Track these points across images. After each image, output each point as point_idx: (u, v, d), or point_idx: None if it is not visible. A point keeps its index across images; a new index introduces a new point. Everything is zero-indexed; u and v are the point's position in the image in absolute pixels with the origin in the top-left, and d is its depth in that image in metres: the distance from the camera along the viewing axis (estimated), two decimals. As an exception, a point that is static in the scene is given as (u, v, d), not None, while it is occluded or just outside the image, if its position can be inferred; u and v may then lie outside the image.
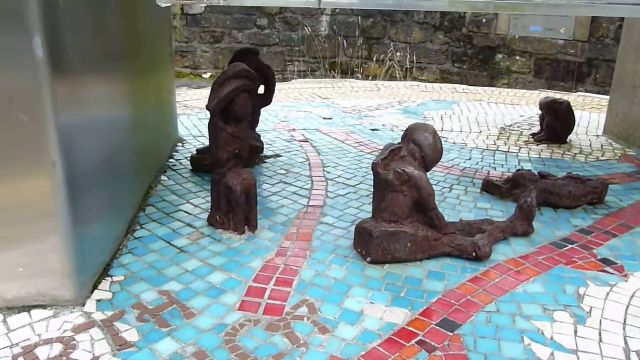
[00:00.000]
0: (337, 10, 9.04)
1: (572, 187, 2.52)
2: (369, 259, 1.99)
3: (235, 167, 2.19)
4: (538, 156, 3.37)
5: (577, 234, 2.29)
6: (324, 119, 4.17)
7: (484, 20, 8.03)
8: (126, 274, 1.91)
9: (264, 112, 4.06)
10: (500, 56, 8.10)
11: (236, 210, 2.17)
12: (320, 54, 9.15)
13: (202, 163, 2.85)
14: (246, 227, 2.22)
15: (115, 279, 1.88)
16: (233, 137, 2.13)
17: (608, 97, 4.11)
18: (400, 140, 2.07)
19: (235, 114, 2.10)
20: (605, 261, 2.06)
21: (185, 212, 2.42)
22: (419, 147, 1.98)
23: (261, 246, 2.12)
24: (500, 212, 2.49)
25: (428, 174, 2.03)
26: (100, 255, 1.91)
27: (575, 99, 5.10)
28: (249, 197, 2.17)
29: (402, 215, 1.98)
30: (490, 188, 2.71)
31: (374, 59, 8.86)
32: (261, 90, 3.02)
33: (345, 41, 9.05)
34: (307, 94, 5.16)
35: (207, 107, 2.06)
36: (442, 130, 3.92)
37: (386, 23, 8.86)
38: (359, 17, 8.94)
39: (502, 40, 8.01)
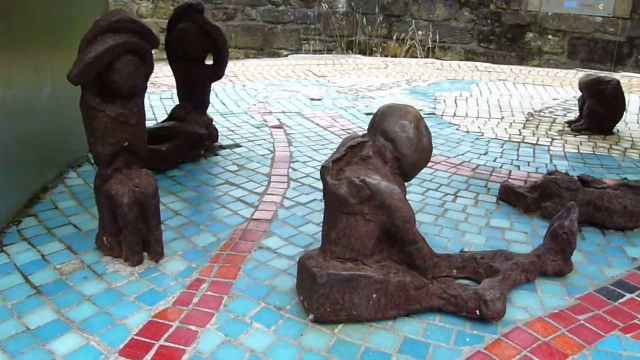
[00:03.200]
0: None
1: (628, 200, 1.77)
2: (311, 316, 1.28)
3: (126, 167, 1.48)
4: (576, 151, 2.59)
5: (639, 274, 1.53)
6: (312, 99, 3.44)
7: (514, -4, 7.24)
8: None
9: (241, 89, 3.38)
10: (530, 35, 7.34)
11: (125, 231, 1.46)
12: (337, 32, 8.41)
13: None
14: (146, 253, 1.52)
15: None
16: (117, 123, 1.41)
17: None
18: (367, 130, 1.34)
19: (116, 86, 1.38)
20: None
21: (75, 226, 1.72)
22: (392, 143, 1.24)
23: (158, 287, 1.42)
24: (523, 233, 1.76)
25: (412, 181, 1.30)
26: None
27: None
28: (145, 211, 1.47)
29: (362, 249, 1.25)
30: (510, 196, 1.97)
31: (394, 38, 8.11)
32: (210, 60, 2.33)
33: (364, 18, 8.31)
34: (301, 71, 4.42)
35: (68, 77, 1.34)
36: (454, 115, 3.14)
37: (407, -1, 8.10)
38: (379, -7, 8.18)
39: (534, 17, 7.24)
